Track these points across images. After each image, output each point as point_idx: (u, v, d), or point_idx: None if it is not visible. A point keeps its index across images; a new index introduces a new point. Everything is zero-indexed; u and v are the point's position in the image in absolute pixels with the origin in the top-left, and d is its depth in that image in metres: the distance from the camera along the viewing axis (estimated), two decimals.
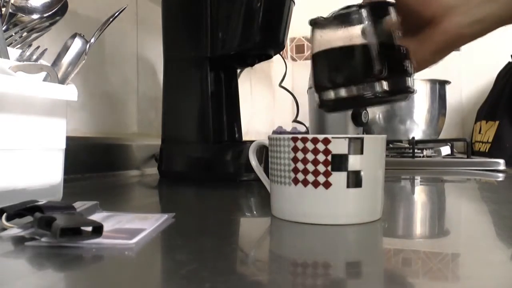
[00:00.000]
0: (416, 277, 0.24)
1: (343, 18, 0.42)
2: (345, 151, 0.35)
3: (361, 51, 0.41)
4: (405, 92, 0.42)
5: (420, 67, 0.43)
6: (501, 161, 0.96)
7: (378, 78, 0.40)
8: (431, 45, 0.42)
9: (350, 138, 0.35)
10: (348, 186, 0.35)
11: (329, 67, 0.43)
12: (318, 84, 0.44)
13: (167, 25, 0.80)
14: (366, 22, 0.41)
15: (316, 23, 0.43)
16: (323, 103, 0.43)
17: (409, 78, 0.42)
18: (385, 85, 0.40)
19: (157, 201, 0.60)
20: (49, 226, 0.29)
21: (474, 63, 1.76)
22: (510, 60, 1.52)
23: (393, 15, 0.42)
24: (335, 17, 0.42)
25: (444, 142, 1.25)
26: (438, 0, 0.41)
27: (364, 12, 0.41)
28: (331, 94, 0.42)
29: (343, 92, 0.41)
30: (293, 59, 2.08)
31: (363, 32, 0.41)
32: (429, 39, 0.42)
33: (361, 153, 0.36)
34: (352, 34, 0.41)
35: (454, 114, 1.75)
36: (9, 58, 0.46)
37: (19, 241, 0.30)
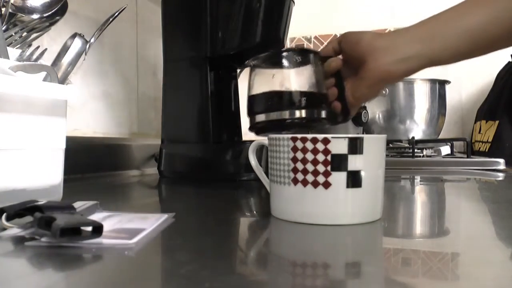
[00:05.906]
0: (416, 277, 0.24)
1: (271, 59, 0.55)
2: (345, 151, 0.35)
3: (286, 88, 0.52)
4: (319, 121, 0.53)
5: (360, 100, 0.53)
6: (501, 160, 0.96)
7: (297, 107, 0.51)
8: (366, 81, 0.51)
9: (349, 138, 0.35)
10: (347, 186, 0.35)
11: (261, 99, 0.54)
12: (251, 110, 0.55)
13: (167, 25, 0.80)
14: (288, 64, 0.53)
15: (252, 66, 0.55)
16: (254, 126, 0.54)
17: (324, 111, 0.53)
18: (303, 113, 0.51)
19: (157, 201, 0.60)
20: (49, 226, 0.29)
21: (474, 63, 1.75)
22: (510, 60, 1.51)
23: (312, 60, 0.53)
24: (264, 58, 0.54)
25: (444, 141, 1.25)
26: (365, 44, 0.50)
27: (287, 56, 0.54)
28: (262, 117, 0.53)
29: (271, 116, 0.53)
30: None
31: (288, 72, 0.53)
32: (364, 76, 0.50)
33: (361, 153, 0.36)
34: (279, 73, 0.54)
35: (454, 114, 1.75)
36: (9, 58, 0.46)
37: (19, 241, 0.30)
